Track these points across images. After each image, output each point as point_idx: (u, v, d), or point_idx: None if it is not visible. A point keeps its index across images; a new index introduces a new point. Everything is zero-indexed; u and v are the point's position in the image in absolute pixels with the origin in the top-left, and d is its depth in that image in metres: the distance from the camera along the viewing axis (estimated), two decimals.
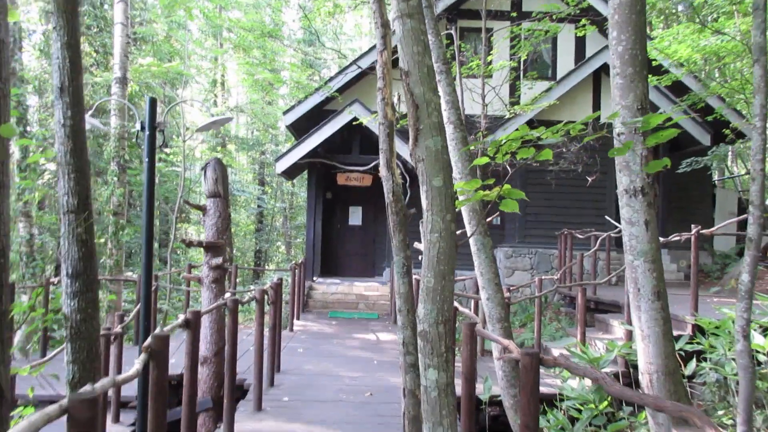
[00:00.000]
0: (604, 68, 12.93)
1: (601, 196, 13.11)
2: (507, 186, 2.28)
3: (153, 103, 4.32)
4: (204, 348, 6.41)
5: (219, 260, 6.30)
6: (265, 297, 6.22)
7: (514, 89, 14.02)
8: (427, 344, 2.13)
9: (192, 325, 3.56)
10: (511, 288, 7.61)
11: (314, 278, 13.37)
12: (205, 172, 6.49)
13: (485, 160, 2.32)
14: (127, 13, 10.94)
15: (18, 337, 8.90)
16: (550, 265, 12.94)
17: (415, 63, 2.17)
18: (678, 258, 13.31)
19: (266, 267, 27.92)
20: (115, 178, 10.24)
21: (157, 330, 2.88)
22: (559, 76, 13.94)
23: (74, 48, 3.09)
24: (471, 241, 4.91)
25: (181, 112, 13.44)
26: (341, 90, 13.27)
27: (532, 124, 12.36)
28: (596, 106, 13.28)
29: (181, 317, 3.67)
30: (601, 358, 4.77)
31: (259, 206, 26.54)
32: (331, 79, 13.48)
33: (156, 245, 20.46)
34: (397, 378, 6.67)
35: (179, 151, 15.43)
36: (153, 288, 6.87)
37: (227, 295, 4.80)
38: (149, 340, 2.70)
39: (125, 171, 10.38)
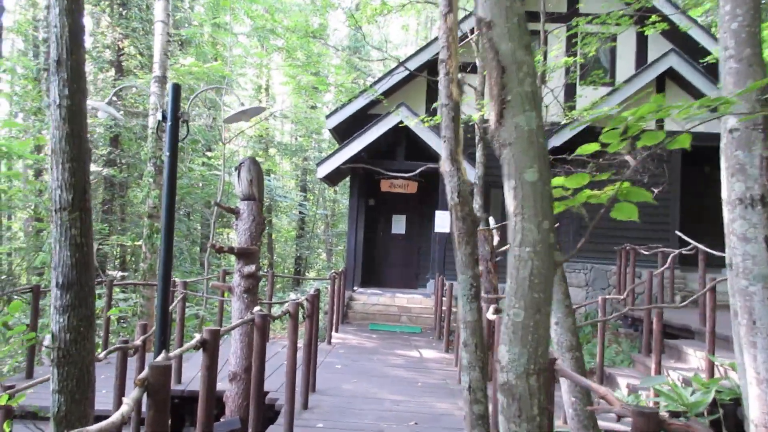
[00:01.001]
0: (669, 73, 12.03)
1: (664, 209, 12.16)
2: (626, 184, 1.65)
3: (176, 90, 3.83)
4: (234, 363, 5.89)
5: (252, 268, 5.78)
6: (301, 310, 5.67)
7: (571, 94, 13.25)
8: (513, 403, 1.51)
9: (209, 346, 3.01)
10: (575, 307, 6.83)
11: (354, 288, 12.81)
12: (238, 172, 5.99)
13: (595, 146, 1.70)
14: (168, 11, 10.66)
15: (47, 342, 8.60)
16: (607, 282, 12.05)
17: (501, 9, 1.56)
18: None
19: (306, 274, 27.58)
20: (151, 179, 9.88)
21: (160, 357, 2.32)
22: (618, 80, 13.08)
23: (75, 15, 2.59)
24: None
25: (221, 113, 13.10)
26: (387, 93, 12.72)
27: (593, 130, 11.55)
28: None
29: (206, 331, 3.15)
30: (701, 403, 4.00)
31: (300, 213, 26.24)
32: (376, 82, 12.95)
33: (197, 249, 20.28)
34: (444, 404, 6.02)
35: (221, 155, 15.15)
36: (181, 296, 6.40)
37: (257, 309, 4.27)
38: (145, 371, 2.14)
39: (161, 172, 10.02)
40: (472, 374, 2.10)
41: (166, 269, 3.73)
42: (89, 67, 15.07)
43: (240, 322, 3.88)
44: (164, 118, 3.77)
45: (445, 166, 2.27)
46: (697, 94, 11.92)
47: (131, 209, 14.83)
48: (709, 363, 5.61)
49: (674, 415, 4.16)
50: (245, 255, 5.85)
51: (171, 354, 2.64)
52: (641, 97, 12.14)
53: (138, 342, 4.79)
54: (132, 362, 5.40)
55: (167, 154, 3.72)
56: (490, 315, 5.01)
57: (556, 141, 11.32)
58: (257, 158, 22.46)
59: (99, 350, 7.23)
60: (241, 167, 6.06)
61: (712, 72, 11.84)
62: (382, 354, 8.57)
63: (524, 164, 1.63)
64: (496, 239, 7.84)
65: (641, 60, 13.21)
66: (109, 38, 15.72)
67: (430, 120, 10.26)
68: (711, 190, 13.98)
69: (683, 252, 7.93)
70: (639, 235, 11.90)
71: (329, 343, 9.12)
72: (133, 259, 15.31)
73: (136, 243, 11.22)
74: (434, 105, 12.05)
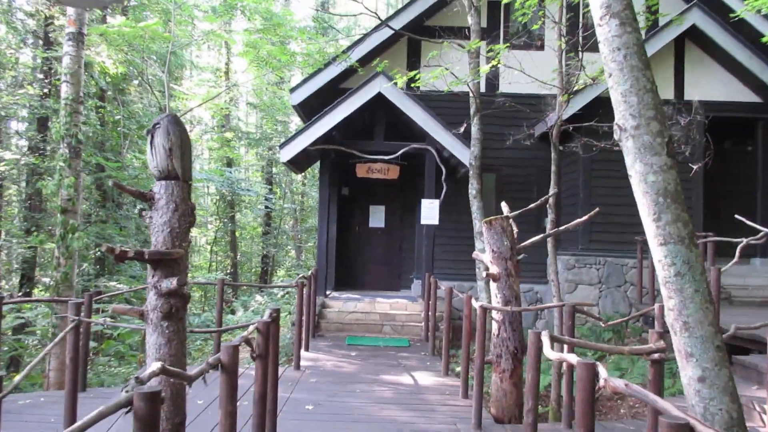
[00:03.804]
0: (689, 32, 10.33)
1: (686, 191, 10.46)
2: None
3: None
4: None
5: (172, 282, 3.79)
6: (252, 345, 3.72)
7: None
8: None
9: None
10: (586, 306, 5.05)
11: (327, 293, 10.87)
12: (151, 138, 3.96)
13: None
14: None
15: None
16: (623, 278, 10.33)
17: None
18: None
19: (275, 273, 25.47)
20: (64, 164, 7.72)
21: None
22: None
23: None
24: (659, 251, 2.38)
25: (165, 88, 10.98)
26: (362, 62, 10.79)
27: (601, 101, 9.79)
28: (679, 80, 10.65)
29: None
30: None
31: (266, 207, 24.13)
32: (350, 47, 11.00)
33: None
34: None
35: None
36: (72, 323, 4.36)
37: (152, 369, 2.31)
38: None
39: (79, 155, 7.87)
40: None
41: None
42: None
43: (97, 412, 1.90)
44: None
45: None
46: (722, 56, 10.26)
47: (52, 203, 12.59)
48: None
49: None
50: (163, 263, 3.85)
51: None
52: (659, 60, 10.43)
53: None
54: None
55: None
56: (546, 349, 3.14)
57: (567, 112, 9.52)
58: (222, 149, 20.09)
59: None
60: (155, 130, 4.02)
61: (737, 30, 10.20)
62: (366, 382, 6.66)
63: None
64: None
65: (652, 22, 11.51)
66: (32, 5, 13.41)
67: (417, 78, 8.33)
68: (731, 169, 12.41)
69: (752, 242, 6.16)
70: None
71: (297, 367, 7.16)
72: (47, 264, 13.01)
73: (45, 245, 9.12)
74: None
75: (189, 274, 21.12)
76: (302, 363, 7.38)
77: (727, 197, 11.50)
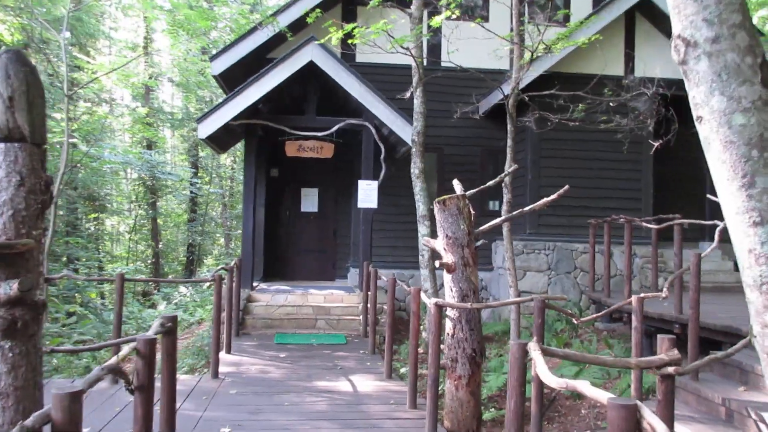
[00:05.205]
0: (640, 6, 9.79)
1: (635, 173, 9.99)
2: None
3: None
4: None
5: (13, 286, 2.70)
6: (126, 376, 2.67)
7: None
8: None
9: None
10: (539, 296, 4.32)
11: (255, 284, 9.78)
12: None
13: None
14: None
15: None
16: (573, 264, 9.76)
17: None
18: (730, 252, 10.37)
19: (201, 264, 23.88)
20: None
21: None
22: (573, 18, 10.76)
23: None
24: (751, 236, 1.54)
25: (62, 52, 9.46)
26: (294, 28, 9.70)
27: (551, 77, 9.08)
28: (629, 55, 10.11)
29: None
30: None
31: (191, 192, 22.51)
32: (279, 11, 9.85)
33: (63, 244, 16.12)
34: None
35: (65, 116, 11.40)
36: None
37: None
38: None
39: None
40: None
41: None
42: None
43: None
44: None
45: None
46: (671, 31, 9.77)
47: None
48: None
49: None
50: (2, 259, 2.75)
51: None
52: (609, 35, 9.84)
53: None
54: None
55: None
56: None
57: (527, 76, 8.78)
58: (143, 129, 18.38)
59: None
60: None
61: None
62: (297, 391, 5.68)
63: None
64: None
65: None
66: None
67: (354, 35, 7.35)
68: (682, 151, 11.99)
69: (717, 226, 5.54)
70: (608, 204, 9.70)
71: (215, 375, 6.08)
72: None
73: None
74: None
75: (104, 266, 19.00)
76: (222, 369, 6.30)
77: (680, 177, 11.08)
